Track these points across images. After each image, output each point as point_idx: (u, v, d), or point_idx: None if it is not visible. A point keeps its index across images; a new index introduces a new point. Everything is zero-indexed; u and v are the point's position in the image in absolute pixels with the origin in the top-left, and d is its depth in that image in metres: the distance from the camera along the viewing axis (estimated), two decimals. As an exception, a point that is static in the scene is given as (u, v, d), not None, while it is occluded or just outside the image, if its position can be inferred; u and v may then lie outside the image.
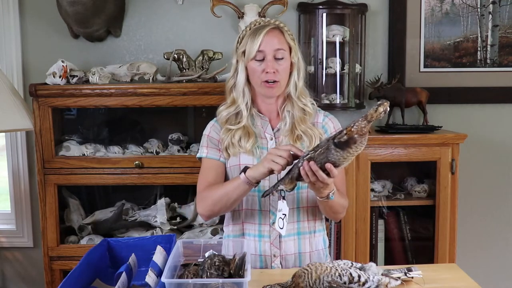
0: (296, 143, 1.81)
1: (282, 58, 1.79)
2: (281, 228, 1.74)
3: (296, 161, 1.64)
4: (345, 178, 1.93)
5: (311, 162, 1.57)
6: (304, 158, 1.59)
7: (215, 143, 1.88)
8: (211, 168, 1.86)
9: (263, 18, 1.87)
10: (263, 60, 1.78)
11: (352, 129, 1.50)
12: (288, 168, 1.66)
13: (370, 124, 1.52)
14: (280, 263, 1.83)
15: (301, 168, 1.59)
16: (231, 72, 1.88)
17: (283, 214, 1.74)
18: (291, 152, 1.64)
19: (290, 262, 1.84)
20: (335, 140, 1.53)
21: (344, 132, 1.52)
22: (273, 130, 1.87)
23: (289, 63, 1.82)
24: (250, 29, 1.82)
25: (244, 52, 1.81)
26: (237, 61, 1.85)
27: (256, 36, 1.78)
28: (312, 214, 1.87)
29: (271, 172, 1.66)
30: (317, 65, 2.77)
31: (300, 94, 1.85)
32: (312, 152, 1.59)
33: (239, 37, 1.86)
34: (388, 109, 1.51)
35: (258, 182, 1.71)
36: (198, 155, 1.90)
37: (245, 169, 1.71)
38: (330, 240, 2.69)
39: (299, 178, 1.63)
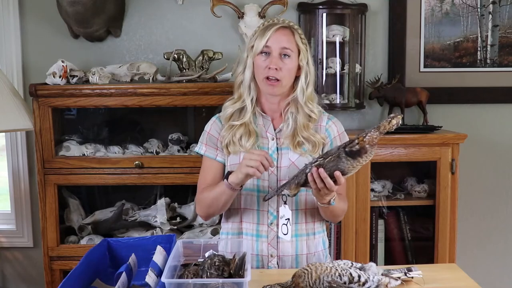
0: (297, 148, 1.81)
1: (288, 57, 1.78)
2: (285, 234, 1.76)
3: (303, 167, 1.67)
4: (345, 182, 1.93)
5: (321, 169, 1.59)
6: (313, 165, 1.61)
7: (213, 142, 1.88)
8: (209, 168, 1.88)
9: (278, 17, 1.87)
10: (269, 56, 1.78)
11: (365, 139, 1.53)
12: (293, 173, 1.69)
13: (381, 136, 1.53)
14: (277, 263, 1.83)
15: (309, 174, 1.61)
16: (241, 68, 1.87)
17: (286, 219, 1.76)
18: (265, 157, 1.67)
19: (287, 263, 1.84)
20: (346, 149, 1.56)
21: (356, 141, 1.54)
22: (275, 130, 1.86)
23: (295, 64, 1.81)
24: (263, 25, 1.82)
25: (253, 47, 1.81)
26: (247, 56, 1.84)
27: (266, 31, 1.78)
28: (311, 216, 1.86)
29: (249, 176, 1.69)
30: (317, 65, 2.77)
31: (308, 100, 1.83)
32: (321, 159, 1.61)
33: (253, 34, 1.85)
34: (401, 122, 1.53)
35: (241, 187, 1.75)
36: (196, 149, 1.92)
37: (227, 175, 1.74)
38: (330, 240, 2.69)
39: (305, 184, 1.65)
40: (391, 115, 1.53)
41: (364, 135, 1.53)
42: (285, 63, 1.78)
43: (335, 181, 1.60)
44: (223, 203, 1.80)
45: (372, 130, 1.53)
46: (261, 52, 1.78)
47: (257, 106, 1.87)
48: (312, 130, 1.84)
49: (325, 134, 1.87)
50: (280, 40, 1.77)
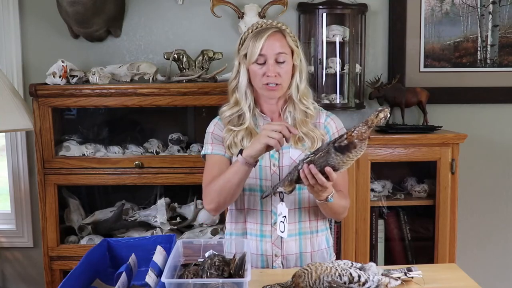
0: (297, 144, 1.82)
1: (283, 62, 1.78)
2: (282, 232, 1.75)
3: (296, 163, 1.66)
4: (347, 179, 1.93)
5: (311, 165, 1.59)
6: (304, 161, 1.61)
7: (219, 140, 1.87)
8: (215, 163, 1.84)
9: (264, 20, 1.85)
10: (264, 63, 1.78)
11: (353, 134, 1.52)
12: (288, 169, 1.69)
13: (370, 130, 1.52)
14: (282, 263, 1.83)
15: (300, 171, 1.61)
16: (233, 74, 1.87)
17: (283, 217, 1.75)
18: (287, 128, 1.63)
19: (291, 262, 1.84)
20: (335, 144, 1.55)
21: (345, 136, 1.54)
22: (275, 130, 1.86)
23: (291, 66, 1.81)
24: (252, 32, 1.81)
25: (245, 55, 1.80)
26: (239, 63, 1.84)
27: (257, 39, 1.77)
28: (314, 214, 1.86)
29: (267, 148, 1.65)
30: (317, 65, 2.77)
31: (302, 96, 1.84)
32: (312, 155, 1.61)
33: (241, 39, 1.84)
34: (389, 115, 1.52)
35: (256, 162, 1.70)
36: (202, 152, 1.89)
37: (241, 151, 1.70)
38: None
39: (298, 180, 1.64)
40: (379, 108, 1.52)
41: (352, 130, 1.53)
42: (281, 67, 1.78)
43: (327, 177, 1.60)
44: (236, 185, 1.72)
45: (360, 125, 1.52)
46: (256, 60, 1.78)
47: (256, 108, 1.87)
48: (311, 126, 1.84)
49: (324, 131, 1.87)
50: (274, 47, 1.77)
